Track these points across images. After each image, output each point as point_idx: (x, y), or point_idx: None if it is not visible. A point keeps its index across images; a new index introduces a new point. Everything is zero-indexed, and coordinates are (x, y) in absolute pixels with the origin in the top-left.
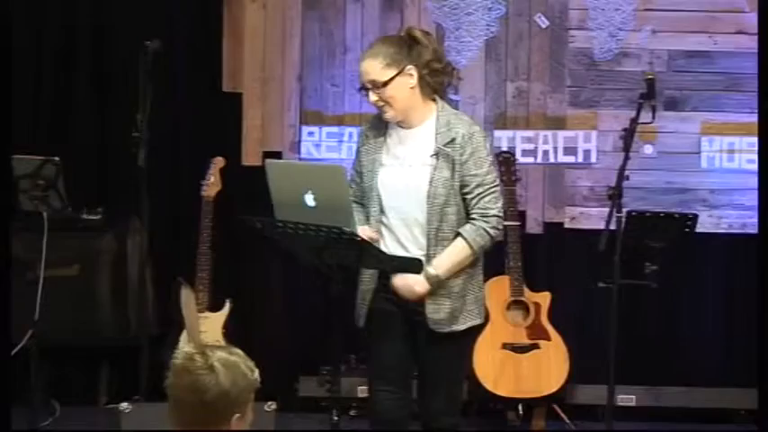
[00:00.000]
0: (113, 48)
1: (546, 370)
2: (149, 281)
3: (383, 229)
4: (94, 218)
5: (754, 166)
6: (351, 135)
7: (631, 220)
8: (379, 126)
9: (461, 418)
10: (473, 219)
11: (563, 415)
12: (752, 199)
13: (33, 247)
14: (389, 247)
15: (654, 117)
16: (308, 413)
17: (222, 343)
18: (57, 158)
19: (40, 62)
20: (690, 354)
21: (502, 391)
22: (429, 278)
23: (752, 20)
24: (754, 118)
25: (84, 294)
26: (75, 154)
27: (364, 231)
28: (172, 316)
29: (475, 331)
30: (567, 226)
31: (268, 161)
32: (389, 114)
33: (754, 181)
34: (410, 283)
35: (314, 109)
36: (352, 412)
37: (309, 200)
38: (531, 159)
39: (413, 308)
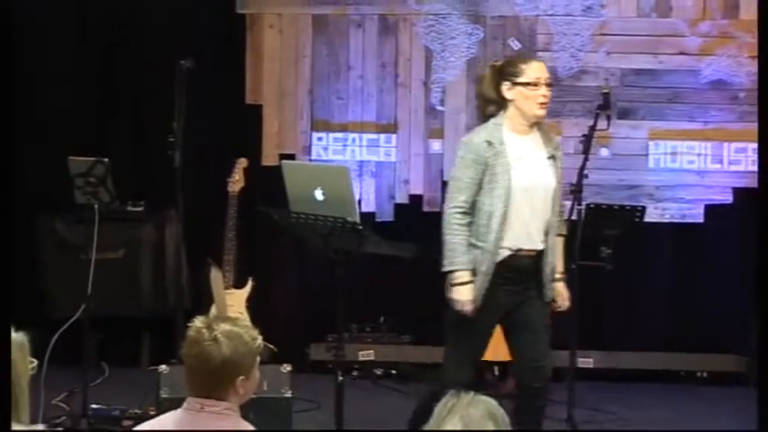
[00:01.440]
0: (152, 65)
1: None
2: (184, 263)
3: (512, 221)
4: (137, 210)
5: (694, 166)
6: (354, 140)
7: (590, 212)
8: (490, 135)
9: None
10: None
11: None
12: (691, 194)
13: (86, 235)
14: (518, 236)
15: (609, 125)
16: (317, 374)
17: (245, 315)
18: (106, 160)
19: (88, 77)
20: (640, 323)
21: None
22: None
23: (691, 42)
24: (694, 125)
25: (128, 274)
26: (122, 156)
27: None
28: (203, 292)
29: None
30: None
31: (284, 162)
32: (544, 113)
33: (693, 178)
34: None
35: (322, 118)
36: (354, 373)
37: (319, 195)
38: None
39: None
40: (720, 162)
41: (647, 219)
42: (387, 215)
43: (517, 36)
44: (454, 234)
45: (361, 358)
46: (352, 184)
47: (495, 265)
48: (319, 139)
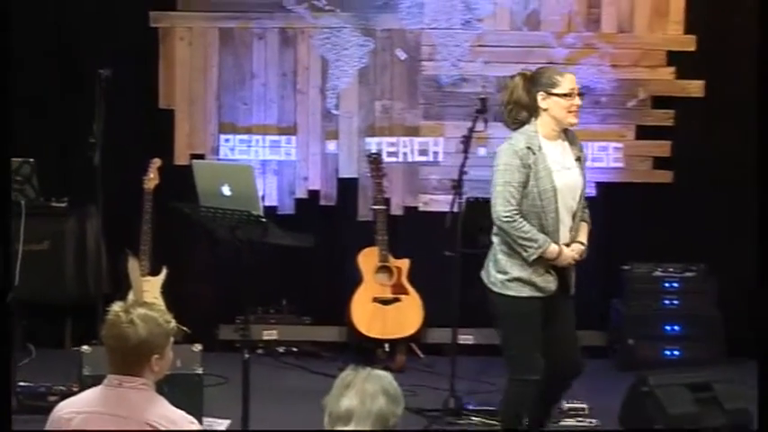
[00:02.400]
0: (75, 73)
1: (405, 317)
2: (104, 253)
3: (559, 216)
4: (61, 205)
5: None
6: (257, 141)
7: (469, 205)
8: (528, 142)
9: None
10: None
11: (418, 351)
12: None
13: (14, 228)
14: (559, 233)
15: (486, 127)
16: (225, 352)
17: (160, 300)
18: (32, 160)
19: (17, 83)
20: None
21: (372, 333)
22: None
23: (558, 53)
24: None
25: (52, 264)
26: (47, 156)
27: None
28: (121, 279)
29: None
30: (421, 209)
31: (194, 161)
32: (577, 121)
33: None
34: (573, 253)
35: (229, 121)
36: (259, 351)
37: (226, 190)
38: (394, 159)
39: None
40: (585, 159)
41: None
42: (287, 209)
43: (403, 47)
44: (522, 228)
45: (265, 337)
46: (256, 180)
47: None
48: (226, 140)
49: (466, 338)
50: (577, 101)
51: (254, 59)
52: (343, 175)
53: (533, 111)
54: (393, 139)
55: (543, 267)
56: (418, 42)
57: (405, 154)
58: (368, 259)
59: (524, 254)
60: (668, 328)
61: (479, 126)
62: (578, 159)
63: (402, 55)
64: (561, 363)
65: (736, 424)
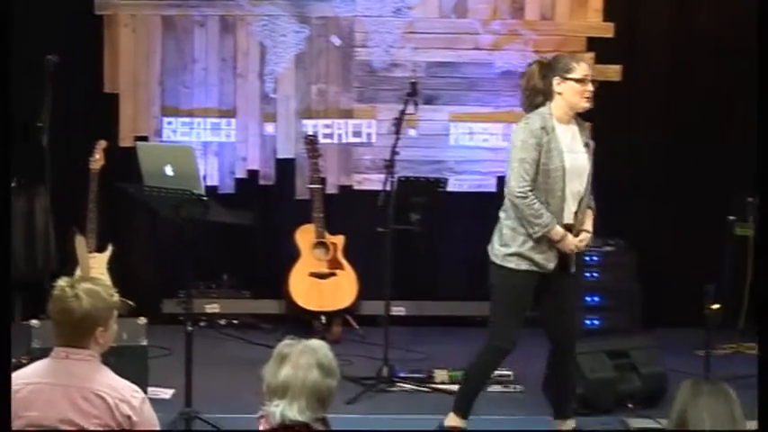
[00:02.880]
0: (23, 60)
1: (341, 291)
2: (52, 231)
3: (565, 196)
4: (11, 186)
5: (487, 144)
6: (198, 124)
7: (401, 184)
8: (542, 123)
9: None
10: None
11: (353, 322)
12: (485, 167)
13: None
14: (566, 213)
15: (416, 109)
16: (169, 325)
17: (106, 275)
18: None
19: None
20: (444, 276)
21: (309, 306)
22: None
23: (484, 39)
24: (487, 109)
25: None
26: None
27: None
28: (69, 256)
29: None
30: (355, 188)
31: (138, 143)
32: (589, 105)
33: (486, 154)
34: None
35: (171, 105)
36: (201, 323)
37: (169, 171)
38: (329, 140)
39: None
40: (509, 140)
41: (448, 188)
42: (228, 188)
43: (338, 33)
44: (533, 205)
45: (207, 311)
46: (198, 161)
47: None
48: (169, 123)
49: (398, 310)
50: (590, 87)
51: (195, 45)
52: (281, 155)
53: (548, 95)
54: (328, 122)
55: (546, 245)
56: (352, 29)
57: (339, 135)
58: (305, 236)
59: (530, 230)
60: (589, 299)
61: (410, 109)
62: (586, 145)
63: (336, 41)
64: (559, 336)
65: (651, 387)
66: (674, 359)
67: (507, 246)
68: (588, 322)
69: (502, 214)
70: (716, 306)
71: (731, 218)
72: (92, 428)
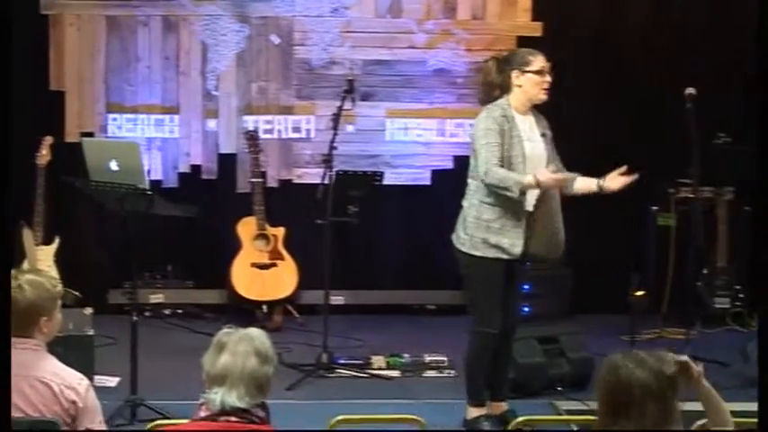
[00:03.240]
0: None
1: (281, 281)
2: None
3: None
4: None
5: (422, 139)
6: (143, 120)
7: (339, 177)
8: (503, 113)
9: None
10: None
11: (294, 311)
12: (420, 161)
13: None
14: (528, 198)
15: (353, 106)
16: (115, 315)
17: (53, 267)
18: None
19: None
20: (381, 266)
21: (251, 296)
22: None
23: (419, 38)
24: (421, 105)
25: None
26: None
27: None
28: (16, 248)
29: None
30: (295, 181)
31: (84, 139)
32: (546, 96)
33: (421, 149)
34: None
35: (116, 102)
36: (146, 313)
37: (114, 166)
38: (270, 136)
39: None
40: (443, 135)
41: (385, 182)
42: (171, 182)
43: (277, 32)
44: (497, 172)
45: (152, 301)
46: (142, 156)
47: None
48: (114, 119)
49: (337, 299)
50: (548, 78)
51: (138, 44)
52: (223, 150)
53: (506, 89)
54: (269, 118)
55: (512, 229)
56: (291, 28)
57: (279, 131)
58: (246, 228)
59: (509, 194)
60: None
61: (347, 105)
62: (543, 135)
63: (276, 40)
64: (503, 321)
65: (578, 371)
66: (600, 344)
67: (473, 234)
68: (519, 309)
69: (465, 203)
70: (640, 293)
71: (654, 208)
72: (37, 415)
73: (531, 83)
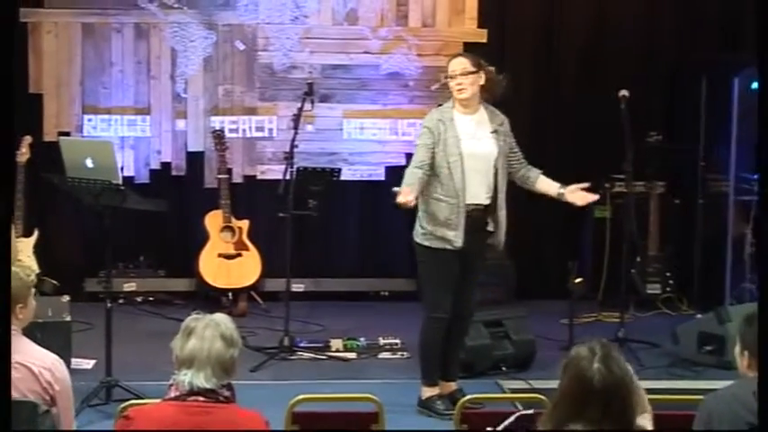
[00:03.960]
0: None
1: (246, 270)
2: None
3: (467, 181)
4: None
5: (377, 137)
6: (116, 120)
7: (299, 173)
8: (443, 115)
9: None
10: (526, 166)
11: (258, 298)
12: (375, 158)
13: None
14: (472, 193)
15: (312, 107)
16: (91, 302)
17: (32, 258)
18: None
19: None
20: (339, 256)
21: (218, 284)
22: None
23: (373, 44)
24: (376, 107)
25: None
26: None
27: (406, 193)
28: None
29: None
30: (258, 177)
31: (61, 138)
32: (463, 95)
33: (376, 147)
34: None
35: (91, 104)
36: (120, 301)
37: (89, 163)
38: (235, 135)
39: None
40: (396, 134)
41: (342, 178)
42: (143, 178)
43: (242, 39)
44: (408, 175)
45: (125, 289)
46: (116, 154)
47: (465, 215)
48: (89, 120)
49: (298, 287)
50: (459, 80)
51: (112, 50)
52: (192, 149)
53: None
54: (234, 118)
55: (455, 223)
56: (255, 35)
57: (244, 130)
58: (213, 220)
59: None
60: None
61: (307, 106)
62: (495, 132)
63: (241, 46)
64: (459, 307)
65: (522, 353)
66: (542, 327)
67: (422, 226)
68: None
69: (420, 197)
70: (578, 280)
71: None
72: (18, 396)
73: (451, 86)
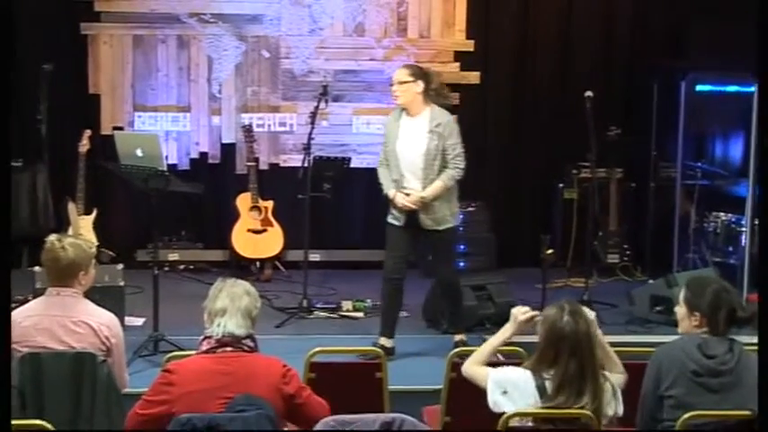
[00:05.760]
0: (26, 67)
1: (271, 243)
2: (50, 199)
3: (401, 171)
4: (18, 164)
5: (381, 131)
6: (162, 117)
7: (316, 162)
8: (396, 117)
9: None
10: (448, 168)
11: (281, 266)
12: (378, 149)
13: None
14: (406, 180)
15: (327, 106)
16: (141, 269)
17: (92, 232)
18: None
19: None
20: (349, 230)
21: (247, 254)
22: (421, 197)
23: (378, 52)
24: (380, 105)
25: (13, 207)
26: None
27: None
28: (63, 218)
29: (452, 230)
30: (281, 165)
31: (115, 132)
32: (399, 101)
33: (380, 139)
34: (404, 200)
35: (140, 103)
36: (165, 268)
37: (139, 153)
38: (261, 129)
39: (415, 218)
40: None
41: (352, 165)
42: (184, 165)
43: (267, 48)
44: (380, 174)
45: (169, 258)
46: (161, 145)
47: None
48: (139, 116)
49: (314, 257)
50: (395, 88)
51: (158, 57)
52: (225, 140)
53: None
54: (260, 115)
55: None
56: (278, 45)
57: (269, 125)
58: (243, 201)
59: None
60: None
61: (322, 105)
62: (430, 132)
63: (266, 54)
64: (436, 275)
65: (502, 312)
66: (519, 291)
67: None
68: (456, 265)
69: None
70: (550, 251)
71: (560, 185)
72: (80, 348)
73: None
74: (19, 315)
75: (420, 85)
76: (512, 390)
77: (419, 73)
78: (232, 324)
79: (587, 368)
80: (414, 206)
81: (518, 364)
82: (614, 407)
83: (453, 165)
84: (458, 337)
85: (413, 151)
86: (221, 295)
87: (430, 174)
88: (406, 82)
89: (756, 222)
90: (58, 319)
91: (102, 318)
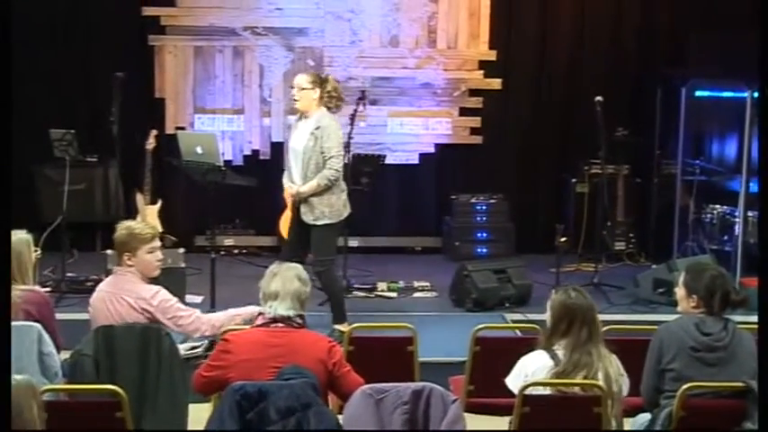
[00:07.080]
0: (100, 74)
1: None
2: (120, 190)
3: (288, 166)
4: (93, 160)
5: (413, 131)
6: (219, 119)
7: (355, 158)
8: (297, 119)
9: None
10: (324, 169)
11: None
12: (411, 147)
13: (62, 175)
14: (292, 176)
15: (365, 109)
16: (200, 253)
17: (157, 220)
18: (72, 131)
19: (60, 78)
20: (384, 219)
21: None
22: (298, 191)
23: (410, 61)
24: (412, 108)
25: (88, 197)
26: (83, 128)
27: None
28: (132, 207)
29: (329, 227)
30: None
31: (179, 132)
32: (297, 105)
33: (411, 138)
34: (290, 191)
35: (200, 106)
36: (221, 253)
37: (199, 150)
38: None
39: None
40: (427, 129)
41: (387, 162)
42: (238, 161)
43: (312, 58)
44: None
45: (225, 244)
46: (218, 143)
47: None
48: (199, 118)
49: (353, 243)
50: (294, 92)
51: (216, 66)
52: (274, 139)
53: None
54: None
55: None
56: (322, 54)
57: None
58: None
59: None
60: (479, 234)
61: (360, 108)
62: (311, 133)
63: (311, 63)
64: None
65: (521, 293)
66: (536, 274)
67: None
68: (479, 250)
69: None
70: (563, 239)
71: (573, 180)
72: (132, 320)
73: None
74: (96, 290)
75: (317, 92)
76: (531, 374)
77: (318, 81)
78: (282, 308)
79: (594, 334)
80: (293, 198)
81: (534, 340)
82: (621, 385)
83: (328, 166)
84: (336, 326)
85: (296, 150)
86: (275, 279)
87: (307, 171)
88: (305, 89)
89: (749, 214)
90: (113, 294)
91: (141, 292)
